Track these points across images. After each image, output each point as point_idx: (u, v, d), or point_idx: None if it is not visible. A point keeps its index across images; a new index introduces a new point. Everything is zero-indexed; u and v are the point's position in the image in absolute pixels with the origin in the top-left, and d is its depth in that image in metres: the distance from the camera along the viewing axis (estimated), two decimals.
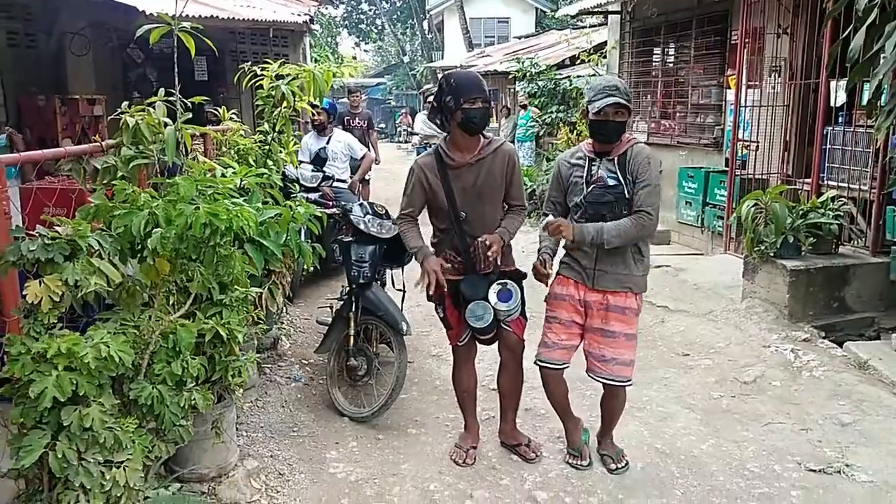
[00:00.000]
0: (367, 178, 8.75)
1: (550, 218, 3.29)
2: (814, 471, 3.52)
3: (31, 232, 2.16)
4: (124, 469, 2.15)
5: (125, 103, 3.24)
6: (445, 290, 3.40)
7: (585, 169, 3.28)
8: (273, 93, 4.33)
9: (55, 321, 2.16)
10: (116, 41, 7.94)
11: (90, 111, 7.00)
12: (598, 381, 3.41)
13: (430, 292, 3.43)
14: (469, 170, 3.35)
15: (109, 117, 3.31)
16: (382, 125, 32.20)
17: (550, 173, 3.52)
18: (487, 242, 3.28)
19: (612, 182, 3.20)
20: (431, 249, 3.51)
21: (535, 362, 3.49)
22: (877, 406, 4.15)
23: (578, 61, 11.71)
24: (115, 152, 3.00)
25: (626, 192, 3.18)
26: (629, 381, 3.38)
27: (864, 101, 5.38)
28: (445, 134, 3.42)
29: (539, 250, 3.42)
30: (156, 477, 2.76)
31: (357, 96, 9.54)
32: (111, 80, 7.91)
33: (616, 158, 3.22)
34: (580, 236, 3.19)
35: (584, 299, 3.34)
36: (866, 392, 4.32)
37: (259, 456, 3.63)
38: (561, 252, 3.48)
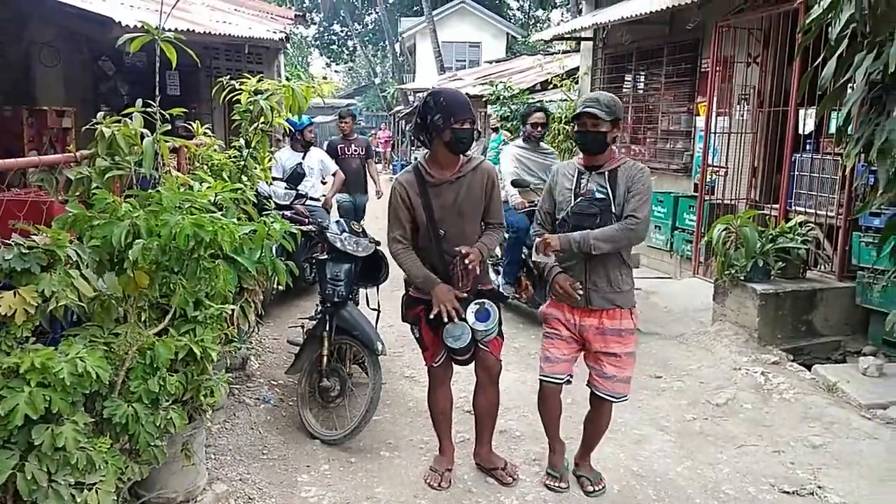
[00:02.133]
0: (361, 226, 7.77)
1: (537, 240, 3.30)
2: (787, 492, 3.54)
3: (5, 241, 2.07)
4: (96, 492, 2.06)
5: (100, 114, 3.16)
6: (458, 318, 3.30)
7: (574, 181, 3.31)
8: (251, 108, 4.27)
9: (28, 335, 2.07)
10: (88, 53, 7.80)
11: (59, 123, 6.82)
12: (598, 395, 3.40)
13: (445, 319, 3.28)
14: (449, 187, 3.34)
15: (83, 128, 3.23)
16: None
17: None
18: (464, 251, 3.24)
19: (599, 195, 3.22)
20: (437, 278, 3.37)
21: (539, 378, 3.46)
22: (847, 428, 4.21)
23: (551, 86, 11.85)
24: (89, 163, 2.92)
25: (612, 206, 3.20)
26: (626, 397, 3.42)
27: (832, 130, 5.53)
28: (427, 150, 3.41)
29: (547, 271, 3.36)
30: (123, 501, 2.66)
31: (349, 122, 8.27)
32: (81, 92, 7.75)
33: (607, 173, 3.25)
34: (566, 244, 3.20)
35: (578, 324, 3.33)
36: (836, 415, 4.37)
37: (228, 479, 3.52)
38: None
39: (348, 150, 8.12)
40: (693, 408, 4.58)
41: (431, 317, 3.33)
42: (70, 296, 2.16)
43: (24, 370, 1.94)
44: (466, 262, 3.23)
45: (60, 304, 2.15)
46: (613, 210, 3.20)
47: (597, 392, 3.40)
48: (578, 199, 3.26)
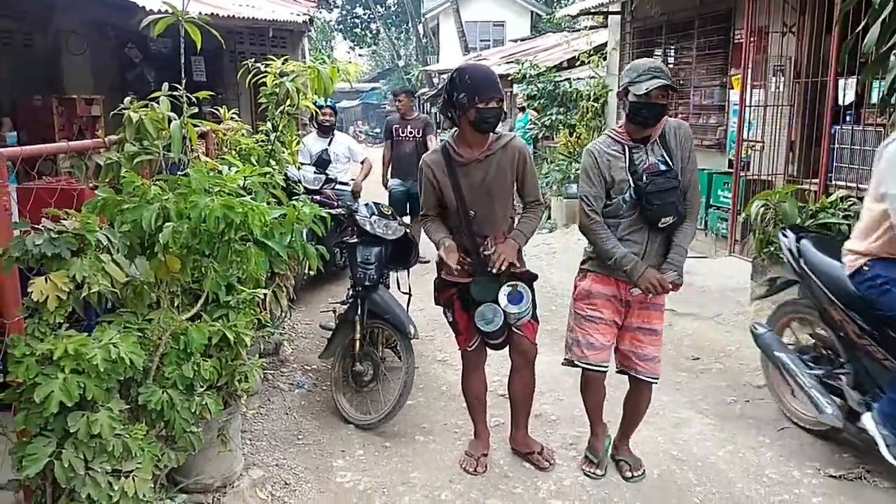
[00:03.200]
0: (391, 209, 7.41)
1: (657, 275, 3.06)
2: (834, 476, 3.44)
3: (36, 226, 2.05)
4: (133, 479, 2.04)
5: (127, 99, 3.14)
6: (461, 266, 3.24)
7: (626, 158, 3.12)
8: (277, 90, 4.22)
9: (61, 321, 2.05)
10: (114, 40, 7.82)
11: (87, 111, 6.89)
12: (638, 378, 3.30)
13: (453, 264, 3.21)
14: (477, 166, 3.25)
15: (112, 113, 3.21)
16: (377, 129, 32.24)
17: (582, 167, 3.22)
18: (497, 250, 3.19)
19: (664, 167, 3.07)
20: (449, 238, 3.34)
21: (577, 364, 3.29)
22: None
23: (578, 63, 11.65)
24: (117, 148, 2.89)
25: (679, 175, 3.08)
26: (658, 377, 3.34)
27: (874, 100, 5.34)
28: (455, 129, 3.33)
29: (623, 260, 3.09)
30: (160, 488, 2.66)
31: (403, 99, 7.74)
32: (109, 79, 7.78)
33: (658, 141, 3.11)
34: (678, 273, 3.10)
35: (625, 299, 3.22)
36: None
37: (264, 465, 3.52)
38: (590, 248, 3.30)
39: (402, 132, 7.57)
40: (733, 390, 4.47)
41: (443, 271, 3.34)
42: (102, 281, 2.13)
43: (57, 357, 1.92)
44: (499, 263, 3.17)
45: (93, 290, 2.12)
46: (680, 178, 3.08)
47: (638, 375, 3.30)
48: (648, 177, 3.04)
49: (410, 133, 7.54)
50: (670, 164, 3.07)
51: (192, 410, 2.36)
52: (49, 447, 1.96)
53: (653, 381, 3.30)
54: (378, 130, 30.79)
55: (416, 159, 7.44)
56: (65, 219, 2.11)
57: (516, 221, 3.41)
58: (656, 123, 3.09)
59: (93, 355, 1.93)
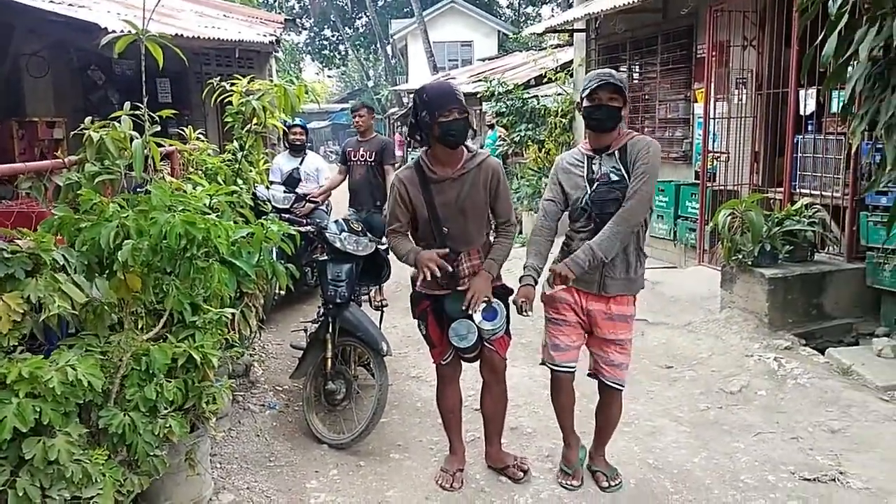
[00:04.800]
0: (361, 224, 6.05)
1: (548, 273, 3.17)
2: (808, 479, 3.46)
3: None
4: None
5: (87, 119, 3.08)
6: (444, 272, 3.20)
7: (585, 167, 3.18)
8: (243, 109, 4.18)
9: (15, 344, 1.97)
10: (77, 62, 7.71)
11: (50, 134, 6.76)
12: (606, 385, 3.33)
13: (438, 276, 3.18)
14: (451, 184, 3.23)
15: (72, 133, 3.14)
16: None
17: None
18: (473, 289, 3.17)
19: (615, 177, 3.10)
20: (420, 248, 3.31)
21: (546, 365, 3.37)
22: (864, 411, 4.12)
23: (545, 80, 11.77)
24: (78, 168, 2.83)
25: (629, 186, 3.08)
26: (624, 384, 3.37)
27: (835, 108, 5.46)
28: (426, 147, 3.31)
29: (525, 268, 3.26)
30: None
31: (364, 115, 6.46)
32: (71, 102, 7.65)
33: (617, 152, 3.13)
34: (579, 269, 3.07)
35: (586, 308, 3.24)
36: (853, 398, 4.28)
37: (235, 489, 3.44)
38: (556, 255, 3.33)
39: (356, 155, 6.45)
40: (706, 397, 4.49)
41: (418, 284, 3.34)
42: (60, 302, 2.06)
43: (11, 381, 1.84)
44: (474, 302, 3.15)
45: (52, 312, 2.06)
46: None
47: (604, 380, 3.33)
48: (596, 186, 3.12)
49: (362, 157, 6.42)
50: (623, 175, 3.09)
51: (156, 433, 2.29)
52: (2, 475, 1.87)
53: (617, 386, 3.32)
54: None
55: (370, 187, 6.44)
56: (19, 238, 2.04)
57: (490, 249, 3.35)
58: (611, 129, 3.12)
59: (49, 378, 1.86)
